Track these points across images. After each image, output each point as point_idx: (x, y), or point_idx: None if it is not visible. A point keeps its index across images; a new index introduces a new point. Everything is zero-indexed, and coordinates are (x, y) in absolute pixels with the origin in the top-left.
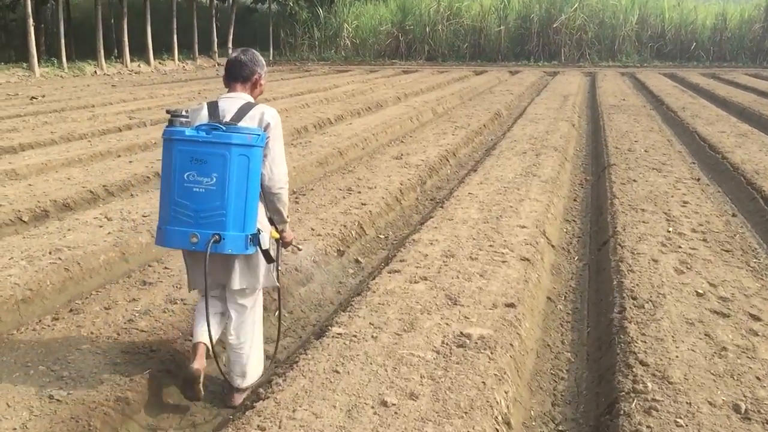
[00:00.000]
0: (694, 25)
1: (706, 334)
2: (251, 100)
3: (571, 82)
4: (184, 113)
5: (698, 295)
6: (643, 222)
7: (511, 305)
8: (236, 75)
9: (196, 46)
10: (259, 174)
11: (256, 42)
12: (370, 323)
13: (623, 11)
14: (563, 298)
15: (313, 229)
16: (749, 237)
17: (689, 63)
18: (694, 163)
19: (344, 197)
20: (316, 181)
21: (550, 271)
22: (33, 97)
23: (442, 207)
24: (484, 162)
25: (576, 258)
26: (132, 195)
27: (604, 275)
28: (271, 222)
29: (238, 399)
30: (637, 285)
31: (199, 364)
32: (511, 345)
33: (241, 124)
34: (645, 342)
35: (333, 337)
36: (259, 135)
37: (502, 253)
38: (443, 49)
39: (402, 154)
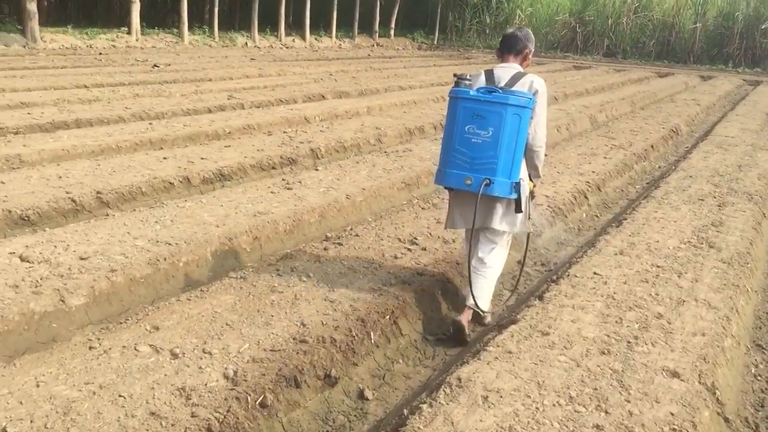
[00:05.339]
0: None
1: None
2: (521, 70)
3: None
4: (467, 77)
5: None
6: None
7: None
8: (510, 48)
9: (356, 24)
10: (526, 132)
11: (426, 24)
12: None
13: None
14: None
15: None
16: None
17: None
18: None
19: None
20: (372, 220)
21: None
22: (155, 65)
23: (540, 299)
24: (638, 209)
25: None
26: (108, 215)
27: None
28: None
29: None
30: None
31: (465, 319)
32: None
33: (514, 89)
34: None
35: None
36: (530, 98)
37: None
38: (625, 45)
39: None
